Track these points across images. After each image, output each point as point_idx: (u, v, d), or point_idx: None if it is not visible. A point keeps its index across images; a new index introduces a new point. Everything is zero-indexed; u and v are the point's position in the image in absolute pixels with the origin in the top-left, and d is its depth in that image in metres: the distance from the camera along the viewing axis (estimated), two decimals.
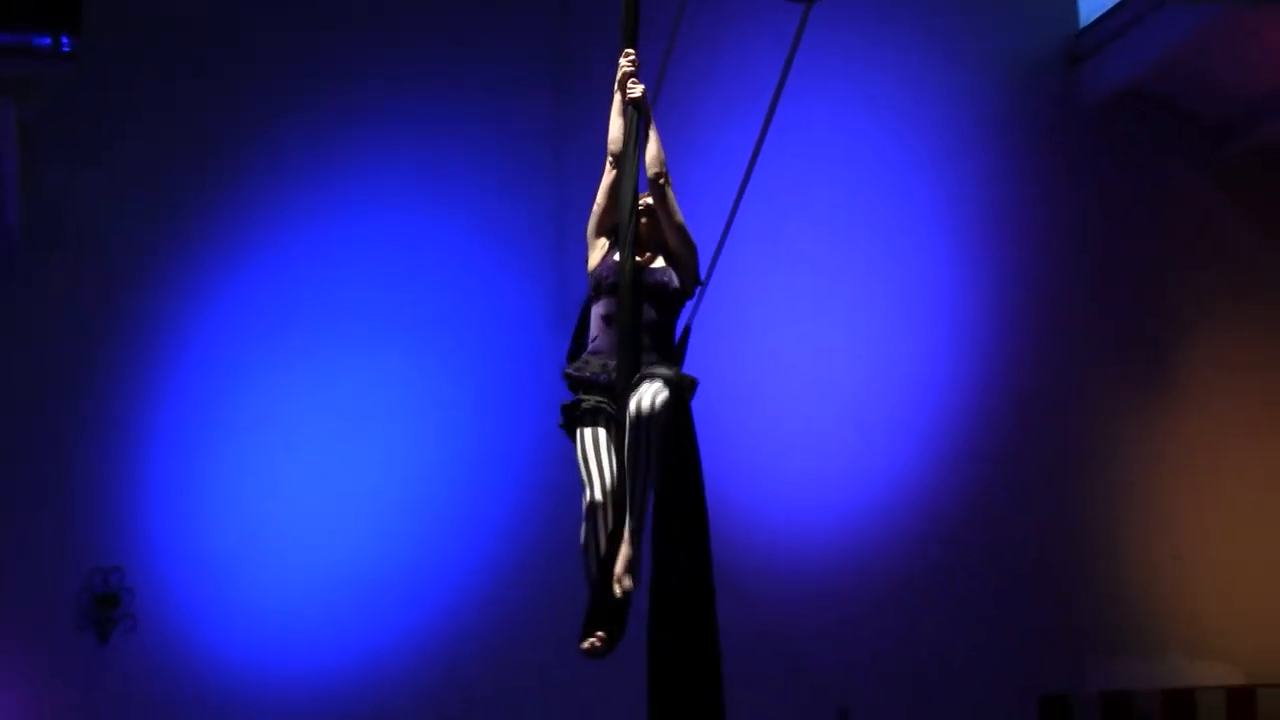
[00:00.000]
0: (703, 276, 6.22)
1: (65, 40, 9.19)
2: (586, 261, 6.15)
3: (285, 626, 10.06)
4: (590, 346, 5.95)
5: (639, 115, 6.18)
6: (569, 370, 5.89)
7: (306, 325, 10.43)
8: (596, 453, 5.74)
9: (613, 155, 6.18)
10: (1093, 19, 12.11)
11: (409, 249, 10.70)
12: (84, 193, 10.21)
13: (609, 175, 6.20)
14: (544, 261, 10.84)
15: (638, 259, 5.93)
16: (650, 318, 5.86)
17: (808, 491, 11.02)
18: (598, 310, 5.94)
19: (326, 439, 10.28)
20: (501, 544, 10.51)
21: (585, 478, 5.72)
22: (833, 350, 11.24)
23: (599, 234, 6.19)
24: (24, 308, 10.08)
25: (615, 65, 6.31)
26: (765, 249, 10.85)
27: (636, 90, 6.23)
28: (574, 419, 5.85)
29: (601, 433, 5.75)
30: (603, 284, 5.94)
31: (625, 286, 5.79)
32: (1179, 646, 11.76)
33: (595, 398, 5.78)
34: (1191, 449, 12.08)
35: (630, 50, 6.37)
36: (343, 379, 10.39)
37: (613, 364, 5.75)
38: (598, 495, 5.65)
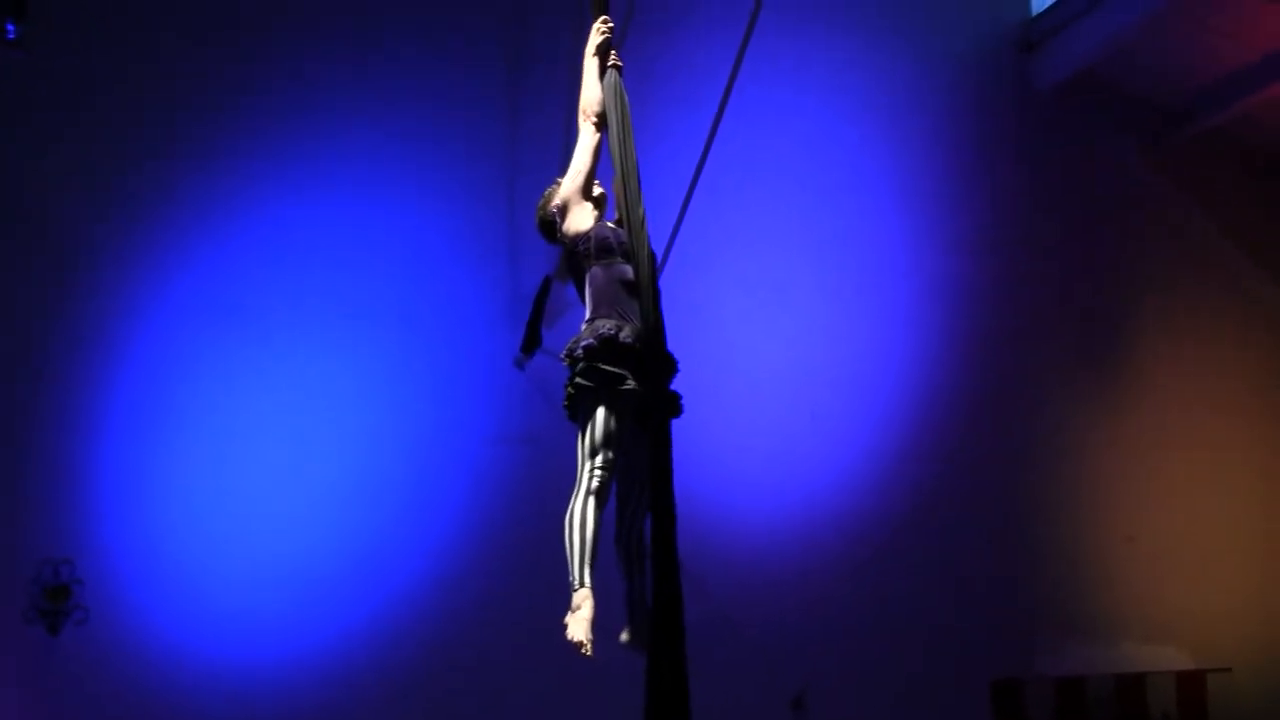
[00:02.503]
0: (657, 261, 6.27)
1: (11, 27, 9.09)
2: (565, 224, 6.13)
3: (237, 618, 9.96)
4: (602, 312, 5.97)
5: (621, 83, 6.21)
6: (605, 333, 5.86)
7: (258, 315, 10.33)
8: (619, 443, 5.91)
9: (598, 116, 6.19)
10: (1044, 6, 12.21)
11: (362, 238, 10.61)
12: (33, 180, 10.07)
13: (594, 137, 6.20)
14: (497, 248, 10.81)
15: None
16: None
17: (760, 479, 11.03)
18: (613, 274, 6.00)
19: (279, 429, 10.20)
20: (457, 533, 10.45)
21: (600, 461, 5.87)
22: (786, 337, 11.25)
23: (586, 197, 6.21)
24: None
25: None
26: (719, 236, 10.87)
27: (619, 60, 6.27)
28: (606, 397, 5.84)
29: (622, 427, 5.93)
30: (616, 249, 6.03)
31: (644, 251, 5.93)
32: (1130, 632, 11.85)
33: (628, 376, 5.84)
34: (1144, 433, 12.19)
35: (607, 17, 6.39)
36: (295, 369, 10.30)
37: (634, 327, 5.89)
38: (603, 483, 5.90)
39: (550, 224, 6.34)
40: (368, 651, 10.09)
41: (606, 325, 5.85)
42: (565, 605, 5.76)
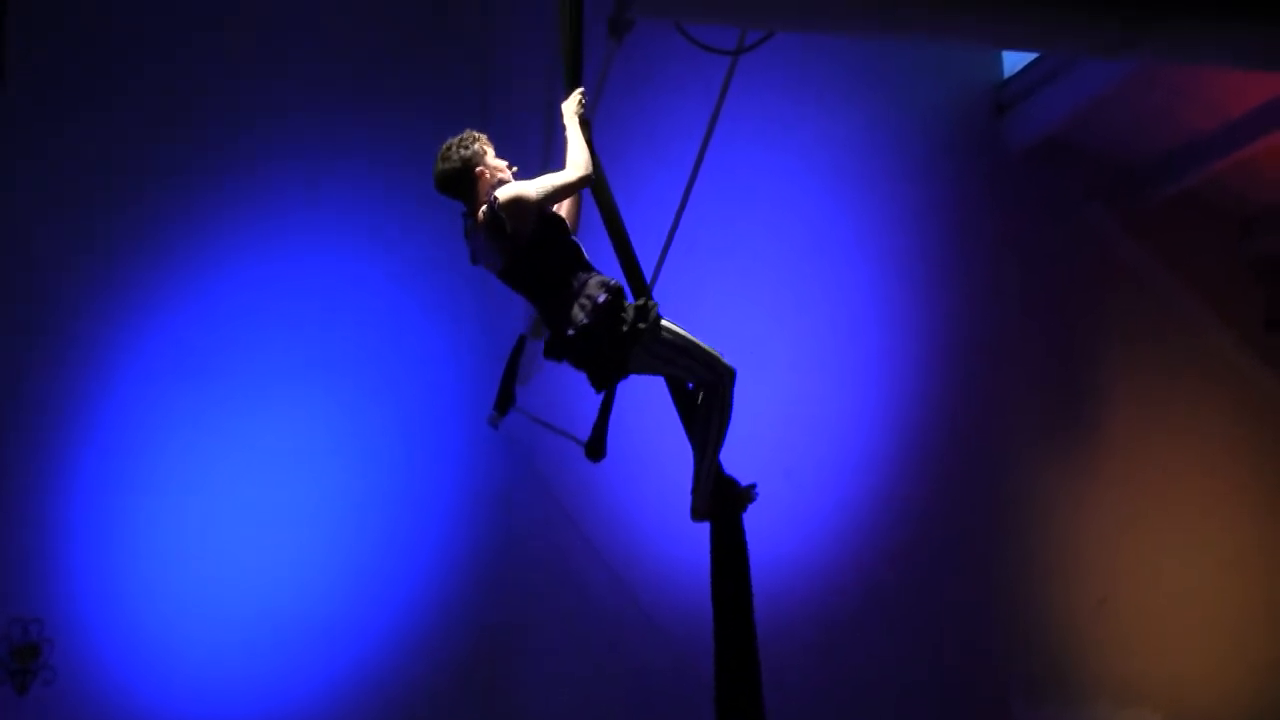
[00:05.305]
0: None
1: None
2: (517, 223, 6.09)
3: (209, 677, 9.90)
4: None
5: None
6: (612, 284, 5.95)
7: (230, 372, 10.30)
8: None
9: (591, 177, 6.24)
10: (1016, 70, 12.33)
11: (334, 296, 10.61)
12: (3, 227, 10.06)
13: (583, 180, 6.21)
14: (469, 307, 10.81)
15: None
16: None
17: None
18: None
19: (250, 487, 10.16)
20: (429, 589, 10.43)
21: (711, 351, 6.16)
22: (759, 394, 11.24)
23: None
24: None
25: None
26: (691, 294, 10.87)
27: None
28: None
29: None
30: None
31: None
32: (1104, 692, 11.83)
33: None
34: (1114, 494, 12.21)
35: (583, 89, 6.46)
36: (267, 427, 10.28)
37: None
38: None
39: (459, 176, 6.25)
40: (338, 711, 10.03)
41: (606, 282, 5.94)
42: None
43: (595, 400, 7.24)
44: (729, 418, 6.15)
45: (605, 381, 6.12)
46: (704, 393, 6.26)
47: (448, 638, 10.31)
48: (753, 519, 10.94)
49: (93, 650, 9.78)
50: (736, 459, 10.99)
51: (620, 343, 5.95)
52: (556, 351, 6.15)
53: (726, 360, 6.07)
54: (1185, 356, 12.66)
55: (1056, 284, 12.46)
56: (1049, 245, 12.48)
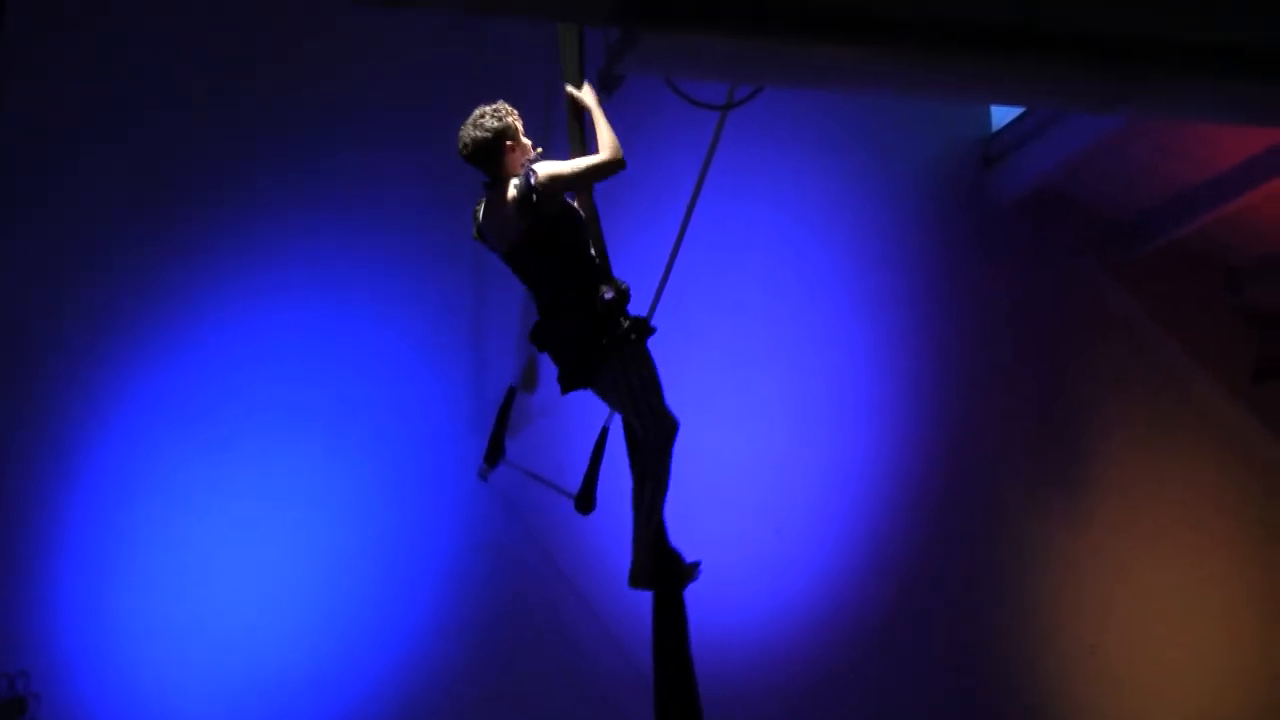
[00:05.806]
0: None
1: None
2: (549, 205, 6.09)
3: None
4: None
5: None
6: (623, 287, 6.01)
7: (221, 423, 10.27)
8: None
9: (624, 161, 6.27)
10: (1004, 123, 12.40)
11: (326, 347, 10.57)
12: None
13: (611, 164, 6.22)
14: (461, 358, 10.81)
15: None
16: None
17: (722, 593, 10.97)
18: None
19: (242, 539, 10.11)
20: (420, 643, 10.38)
21: (667, 409, 6.19)
22: (748, 447, 11.27)
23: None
24: None
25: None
26: (681, 345, 10.87)
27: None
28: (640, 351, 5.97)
29: None
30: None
31: None
32: None
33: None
34: (1104, 543, 12.21)
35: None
36: (258, 478, 10.23)
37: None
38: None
39: (489, 147, 6.27)
40: None
41: (616, 283, 5.99)
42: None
43: (585, 453, 7.28)
44: (665, 484, 6.11)
45: (573, 383, 6.15)
46: (641, 452, 6.22)
47: (439, 692, 10.25)
48: (743, 570, 11.03)
49: (82, 705, 9.70)
50: (727, 510, 11.06)
51: (607, 346, 5.97)
52: (542, 338, 6.17)
53: (673, 425, 6.05)
54: (1175, 409, 12.70)
55: (1046, 337, 12.50)
56: (1039, 297, 12.52)
